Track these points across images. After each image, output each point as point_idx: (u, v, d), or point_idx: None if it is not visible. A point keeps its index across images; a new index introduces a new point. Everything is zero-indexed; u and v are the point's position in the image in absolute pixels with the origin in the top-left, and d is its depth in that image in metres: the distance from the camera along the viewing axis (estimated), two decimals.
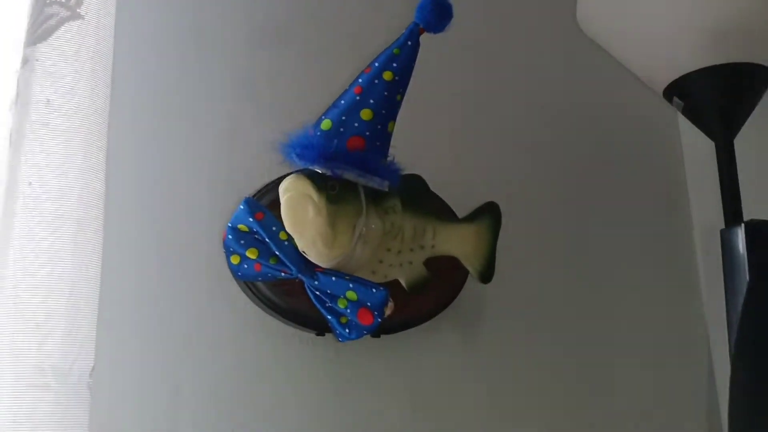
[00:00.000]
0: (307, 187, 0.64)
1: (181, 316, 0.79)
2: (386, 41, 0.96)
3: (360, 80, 0.68)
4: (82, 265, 0.64)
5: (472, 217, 0.84)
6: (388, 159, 0.71)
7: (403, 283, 0.78)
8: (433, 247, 0.80)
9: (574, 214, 1.02)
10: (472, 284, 0.87)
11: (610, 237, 1.03)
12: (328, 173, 0.66)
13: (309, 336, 0.83)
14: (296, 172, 0.66)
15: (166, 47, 0.87)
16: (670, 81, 0.84)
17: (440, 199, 0.87)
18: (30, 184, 0.62)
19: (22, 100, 0.63)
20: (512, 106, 1.03)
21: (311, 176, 0.65)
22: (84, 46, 0.66)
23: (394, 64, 0.68)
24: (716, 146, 0.83)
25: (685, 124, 1.12)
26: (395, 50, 0.68)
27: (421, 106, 0.96)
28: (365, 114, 0.67)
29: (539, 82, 1.06)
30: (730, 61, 0.80)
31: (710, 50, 0.80)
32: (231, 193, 0.83)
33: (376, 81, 0.67)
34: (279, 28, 0.93)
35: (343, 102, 0.68)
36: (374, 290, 0.68)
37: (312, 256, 0.69)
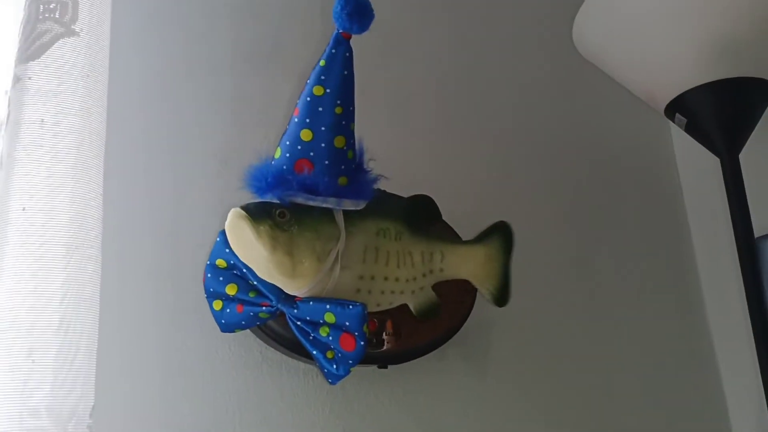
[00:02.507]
0: (242, 221, 0.62)
1: (183, 352, 0.74)
2: (380, 62, 0.95)
3: (298, 102, 0.66)
4: (78, 299, 0.60)
5: (482, 237, 0.82)
6: (369, 175, 0.69)
7: (412, 308, 0.75)
8: (441, 270, 0.77)
9: (578, 235, 1.01)
10: (478, 309, 0.84)
11: (615, 257, 1.02)
12: (275, 201, 0.65)
13: (313, 369, 0.79)
14: (243, 205, 0.64)
15: (158, 65, 0.83)
16: (671, 98, 0.84)
17: (444, 222, 0.84)
18: (24, 209, 0.57)
19: (13, 120, 0.59)
20: (510, 128, 1.02)
21: (250, 208, 0.63)
22: (79, 64, 0.63)
23: (322, 77, 0.65)
24: (721, 162, 0.82)
25: (679, 143, 1.13)
26: (321, 62, 0.65)
27: (420, 129, 0.95)
28: (305, 135, 0.65)
29: (538, 103, 1.06)
30: (732, 75, 0.80)
31: (711, 66, 0.80)
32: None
33: (308, 98, 0.65)
34: (269, 49, 0.90)
35: (288, 127, 0.66)
36: (350, 307, 0.65)
37: (281, 286, 0.66)
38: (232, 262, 0.67)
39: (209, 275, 0.68)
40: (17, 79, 0.60)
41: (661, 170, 1.12)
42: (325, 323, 0.65)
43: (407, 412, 0.82)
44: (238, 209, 0.63)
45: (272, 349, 0.77)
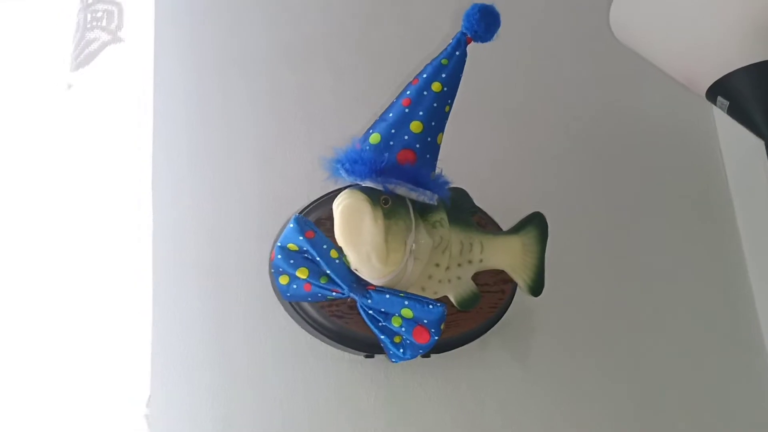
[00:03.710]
0: (362, 201, 0.62)
1: (231, 344, 0.77)
2: (415, 57, 0.96)
3: (408, 92, 0.67)
4: (132, 294, 0.63)
5: (518, 228, 0.82)
6: (436, 172, 0.70)
7: (452, 299, 0.76)
8: (481, 261, 0.78)
9: (620, 223, 0.99)
10: (519, 299, 0.84)
11: (658, 245, 1.00)
12: (380, 188, 0.65)
13: (358, 358, 0.81)
14: (348, 187, 0.64)
15: (200, 68, 0.86)
16: (713, 81, 0.82)
17: (484, 212, 0.85)
18: (77, 208, 0.61)
19: (66, 124, 0.62)
20: (548, 117, 1.02)
21: (365, 190, 0.63)
22: (125, 69, 0.65)
23: (443, 75, 0.67)
24: (766, 144, 0.80)
25: (722, 125, 1.11)
26: (443, 60, 0.67)
27: (460, 118, 0.95)
28: (415, 126, 0.66)
29: (574, 91, 1.04)
30: None
31: (755, 47, 0.78)
32: (272, 215, 0.82)
33: (425, 92, 0.66)
34: (304, 47, 0.92)
35: (391, 115, 0.67)
36: (431, 306, 0.66)
37: (365, 273, 0.67)
38: (304, 248, 0.68)
39: (279, 256, 0.68)
40: (69, 86, 0.63)
41: (705, 154, 1.09)
42: (401, 316, 0.67)
43: (451, 400, 0.83)
44: (356, 191, 0.63)
45: (318, 339, 0.79)
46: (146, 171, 0.65)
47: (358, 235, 0.63)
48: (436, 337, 0.67)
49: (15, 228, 0.64)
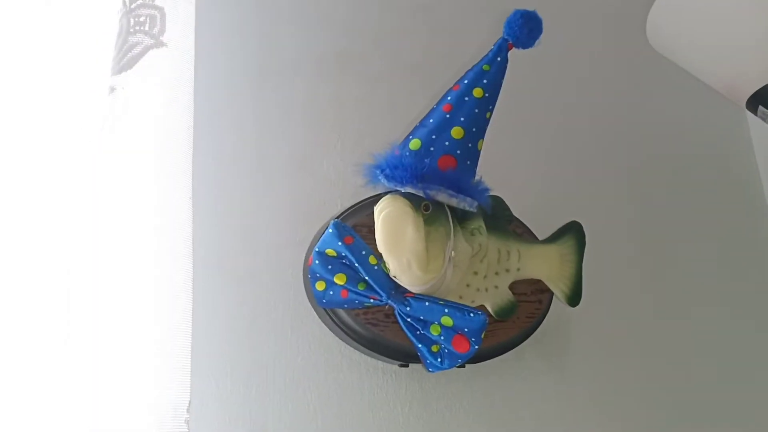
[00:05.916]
0: (405, 208, 0.61)
1: (265, 351, 0.76)
2: (445, 67, 0.96)
3: (449, 98, 0.66)
4: (172, 298, 0.62)
5: (555, 237, 0.81)
6: (476, 179, 0.69)
7: (489, 308, 0.75)
8: (518, 270, 0.77)
9: (657, 232, 0.99)
10: (556, 308, 0.83)
11: (697, 253, 0.99)
12: (420, 194, 0.64)
13: (392, 368, 0.80)
14: (389, 193, 0.63)
15: (237, 76, 0.86)
16: (754, 90, 0.81)
17: (520, 221, 0.84)
18: (119, 212, 0.60)
19: (108, 128, 0.62)
20: (585, 126, 1.01)
21: (407, 197, 0.62)
22: (167, 73, 0.66)
23: (484, 81, 0.66)
24: None
25: (758, 137, 1.09)
26: (485, 66, 0.67)
27: (497, 125, 0.95)
28: (456, 132, 0.65)
29: (611, 99, 1.04)
30: None
31: None
32: (305, 222, 0.82)
33: (467, 98, 0.65)
34: (340, 57, 0.92)
35: (431, 120, 0.66)
36: (472, 315, 0.65)
37: (405, 280, 0.66)
38: (343, 254, 0.66)
39: (317, 261, 0.67)
40: (112, 89, 0.63)
41: (740, 162, 1.08)
42: (440, 324, 0.65)
43: (486, 411, 0.82)
44: (399, 197, 0.62)
45: (351, 348, 0.78)
46: (187, 172, 0.65)
47: (400, 242, 0.62)
48: (476, 346, 0.65)
49: (48, 234, 0.63)
